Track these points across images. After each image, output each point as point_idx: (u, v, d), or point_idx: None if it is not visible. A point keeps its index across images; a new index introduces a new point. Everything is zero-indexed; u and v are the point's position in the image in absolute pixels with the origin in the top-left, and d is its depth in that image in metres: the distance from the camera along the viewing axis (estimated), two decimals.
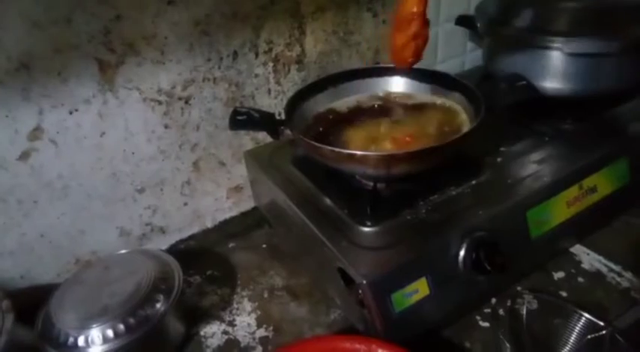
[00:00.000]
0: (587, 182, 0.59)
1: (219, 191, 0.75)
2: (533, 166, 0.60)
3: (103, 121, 0.60)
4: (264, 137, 0.74)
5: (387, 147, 0.56)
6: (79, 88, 0.57)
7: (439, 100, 0.64)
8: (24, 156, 0.57)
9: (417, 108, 0.63)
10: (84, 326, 0.51)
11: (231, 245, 0.74)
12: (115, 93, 0.60)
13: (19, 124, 0.55)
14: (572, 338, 0.53)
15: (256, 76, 0.69)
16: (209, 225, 0.76)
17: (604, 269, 0.61)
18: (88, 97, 0.58)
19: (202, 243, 0.74)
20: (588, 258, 0.63)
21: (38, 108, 0.55)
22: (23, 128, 0.56)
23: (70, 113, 0.58)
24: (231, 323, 0.60)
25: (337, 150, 0.52)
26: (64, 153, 0.59)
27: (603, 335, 0.52)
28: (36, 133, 0.57)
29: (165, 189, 0.69)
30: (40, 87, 0.55)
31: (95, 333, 0.50)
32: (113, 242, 0.68)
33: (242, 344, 0.58)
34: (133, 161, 0.65)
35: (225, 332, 0.59)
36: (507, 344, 0.49)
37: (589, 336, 0.53)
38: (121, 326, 0.51)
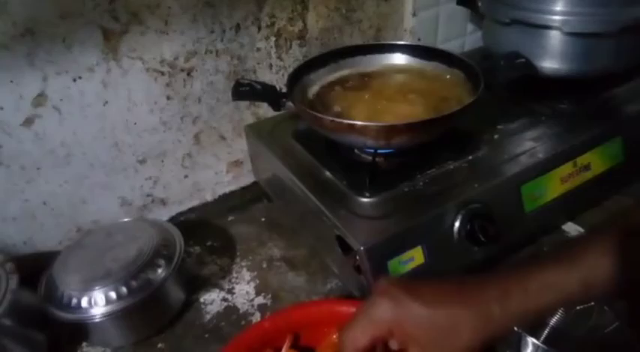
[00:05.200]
0: (582, 159, 0.61)
1: (219, 165, 0.76)
2: (529, 143, 0.61)
3: (106, 90, 0.61)
4: (264, 112, 0.74)
5: (388, 119, 0.57)
6: (83, 55, 0.57)
7: (440, 76, 0.65)
8: (28, 122, 0.57)
9: (418, 83, 0.64)
10: (87, 288, 0.52)
11: (230, 218, 0.75)
12: (118, 62, 0.60)
13: (23, 90, 0.56)
14: (561, 309, 0.55)
15: (258, 50, 0.70)
16: (209, 198, 0.77)
17: None
18: (92, 65, 0.59)
19: (202, 216, 0.75)
20: (576, 232, 0.64)
21: (42, 74, 0.56)
22: (27, 94, 0.56)
23: (74, 80, 0.58)
24: (231, 291, 0.62)
25: (338, 120, 0.53)
26: (68, 121, 0.60)
27: (592, 306, 0.54)
28: (40, 99, 0.57)
29: (166, 161, 0.70)
30: (44, 53, 0.55)
31: (98, 295, 0.52)
32: (114, 212, 0.69)
33: (241, 311, 0.59)
34: (135, 131, 0.65)
35: (224, 300, 0.61)
36: None
37: (577, 307, 0.54)
38: (124, 289, 0.52)
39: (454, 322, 0.37)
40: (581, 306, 0.54)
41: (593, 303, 0.53)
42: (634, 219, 0.42)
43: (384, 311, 0.38)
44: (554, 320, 0.55)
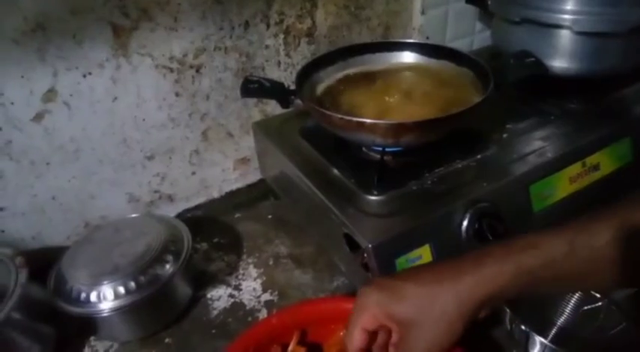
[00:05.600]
0: (591, 159, 0.60)
1: (226, 162, 0.76)
2: (538, 143, 0.61)
3: (116, 86, 0.61)
4: (272, 109, 0.75)
5: (396, 117, 0.57)
6: (93, 51, 0.58)
7: (449, 75, 0.65)
8: (38, 117, 0.58)
9: (427, 81, 0.64)
10: (96, 282, 0.52)
11: (237, 215, 0.75)
12: (128, 58, 0.60)
13: (33, 85, 0.56)
14: (569, 308, 0.55)
15: (267, 47, 0.70)
16: (216, 195, 0.77)
17: None
18: (102, 61, 0.59)
19: (209, 213, 0.76)
20: None
21: (53, 69, 0.56)
22: (38, 89, 0.56)
23: (84, 76, 0.58)
24: (237, 288, 0.62)
25: (347, 118, 0.52)
26: (77, 117, 0.60)
27: (599, 306, 0.53)
28: (50, 95, 0.57)
29: (174, 158, 0.70)
30: (55, 48, 0.55)
31: (107, 289, 0.52)
32: (122, 208, 0.69)
33: (248, 307, 0.59)
34: (143, 128, 0.66)
35: (231, 296, 0.61)
36: (507, 310, 0.50)
37: (585, 307, 0.54)
38: (132, 284, 0.52)
39: (430, 297, 0.37)
40: (589, 306, 0.54)
41: (600, 303, 0.53)
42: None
43: (367, 298, 0.39)
44: (561, 320, 0.55)
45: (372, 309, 0.39)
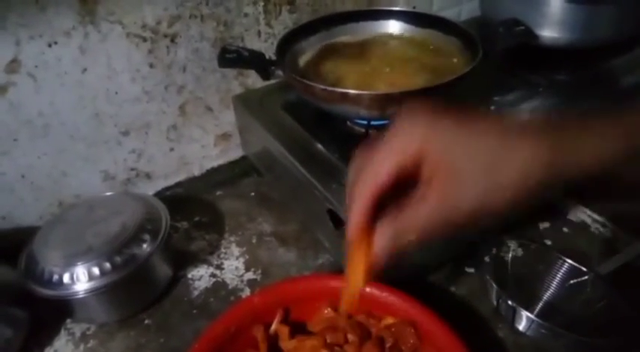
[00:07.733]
0: None
1: (206, 138, 0.73)
2: (526, 115, 0.59)
3: (85, 57, 0.57)
4: (253, 82, 0.72)
5: (381, 88, 0.55)
6: (58, 18, 0.54)
7: (436, 44, 0.62)
8: (1, 90, 0.54)
9: (413, 51, 0.62)
10: (69, 263, 0.50)
11: (218, 193, 0.72)
12: (96, 26, 0.56)
13: None
14: (555, 282, 0.54)
15: (246, 15, 0.66)
16: (196, 172, 0.75)
17: (588, 220, 0.62)
18: (68, 29, 0.55)
19: (189, 191, 0.73)
20: (574, 209, 0.63)
21: (15, 38, 0.52)
22: (0, 60, 0.53)
23: (49, 46, 0.55)
24: (219, 267, 0.60)
25: (330, 89, 0.50)
26: (44, 89, 0.57)
27: (585, 280, 0.53)
28: (13, 66, 0.54)
29: (150, 133, 0.67)
30: (16, 15, 0.51)
31: (80, 270, 0.50)
32: (97, 186, 0.66)
33: (230, 286, 0.58)
34: (116, 101, 0.62)
35: (213, 275, 0.59)
36: (494, 285, 0.49)
37: (571, 281, 0.54)
38: (107, 264, 0.50)
39: (498, 154, 0.29)
40: (575, 280, 0.54)
41: (587, 277, 0.53)
42: None
43: (411, 133, 0.30)
44: (547, 295, 0.54)
45: (418, 144, 0.30)
